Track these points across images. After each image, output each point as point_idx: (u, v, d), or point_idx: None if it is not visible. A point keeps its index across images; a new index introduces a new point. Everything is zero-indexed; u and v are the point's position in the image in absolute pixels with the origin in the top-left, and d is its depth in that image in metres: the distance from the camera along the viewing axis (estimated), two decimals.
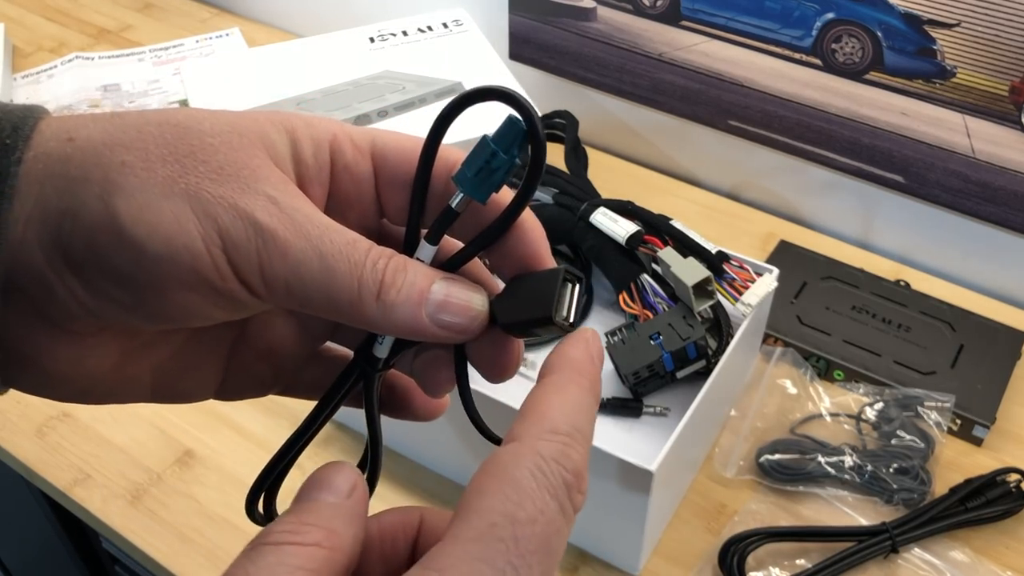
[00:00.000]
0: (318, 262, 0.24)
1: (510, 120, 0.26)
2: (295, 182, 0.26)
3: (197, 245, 0.24)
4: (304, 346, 0.32)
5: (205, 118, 0.25)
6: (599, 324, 0.65)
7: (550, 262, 0.29)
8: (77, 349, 0.26)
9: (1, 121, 0.25)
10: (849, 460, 0.62)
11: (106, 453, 0.66)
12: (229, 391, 0.31)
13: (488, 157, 0.26)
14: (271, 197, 0.25)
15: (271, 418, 0.68)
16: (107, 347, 0.27)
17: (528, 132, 0.26)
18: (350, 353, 0.30)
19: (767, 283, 0.60)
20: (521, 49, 0.92)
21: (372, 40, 0.87)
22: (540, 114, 0.27)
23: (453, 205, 0.27)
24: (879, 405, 0.66)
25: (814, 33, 0.75)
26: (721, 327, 0.60)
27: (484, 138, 0.27)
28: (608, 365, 0.61)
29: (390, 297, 0.25)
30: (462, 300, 0.26)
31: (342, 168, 0.28)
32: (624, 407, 0.61)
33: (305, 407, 0.31)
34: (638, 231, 0.62)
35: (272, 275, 0.24)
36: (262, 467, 0.30)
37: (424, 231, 0.28)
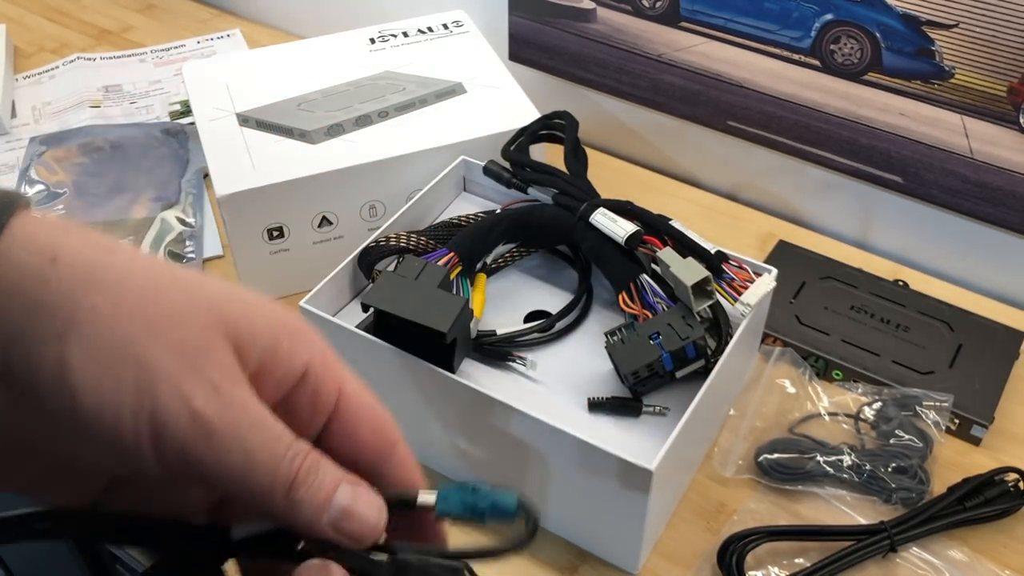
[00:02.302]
0: (242, 454, 0.26)
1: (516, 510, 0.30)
2: (254, 365, 0.27)
3: (124, 417, 0.25)
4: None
5: (187, 285, 0.27)
6: (599, 324, 0.65)
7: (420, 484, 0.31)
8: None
9: None
10: (848, 459, 0.62)
11: None
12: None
13: (477, 512, 0.29)
14: (214, 384, 0.26)
15: None
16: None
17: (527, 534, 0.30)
18: None
19: (766, 283, 0.60)
20: (521, 50, 0.93)
21: (373, 41, 0.87)
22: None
23: (417, 501, 0.29)
24: (877, 405, 0.66)
25: (813, 34, 0.75)
26: (720, 327, 0.60)
27: (481, 491, 0.30)
28: (608, 365, 0.61)
29: (298, 495, 0.26)
30: (363, 511, 0.27)
31: (308, 388, 0.29)
32: (623, 407, 0.62)
33: None
34: (637, 231, 0.62)
35: (193, 458, 0.25)
36: None
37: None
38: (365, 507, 0.27)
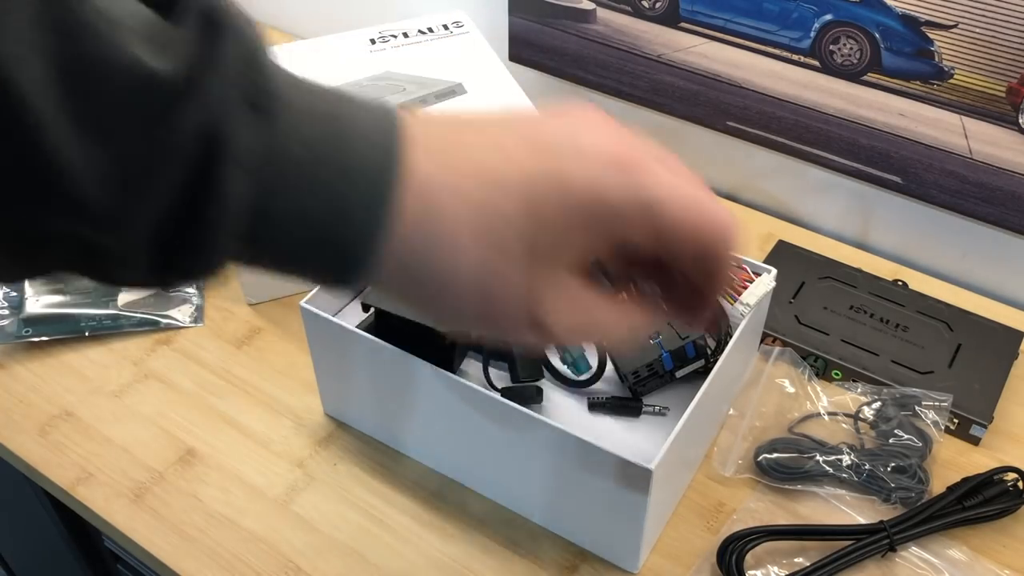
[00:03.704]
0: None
1: None
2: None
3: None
4: None
5: (549, 190, 0.31)
6: None
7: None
8: None
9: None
10: (847, 459, 0.62)
11: (108, 452, 0.66)
12: None
13: None
14: (541, 324, 0.32)
15: (273, 416, 0.68)
16: None
17: None
18: None
19: (765, 283, 0.60)
20: (521, 51, 0.93)
21: (373, 42, 0.87)
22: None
23: None
24: (877, 404, 0.66)
25: (812, 35, 0.75)
26: (720, 327, 0.61)
27: None
28: (608, 364, 0.61)
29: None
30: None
31: (629, 248, 0.34)
32: (623, 406, 0.62)
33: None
34: None
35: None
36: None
37: None
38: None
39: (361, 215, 0.29)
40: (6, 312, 0.75)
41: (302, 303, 0.61)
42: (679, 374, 0.61)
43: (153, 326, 0.75)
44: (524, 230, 0.30)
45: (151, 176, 0.26)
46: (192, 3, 0.27)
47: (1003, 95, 0.69)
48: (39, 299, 0.75)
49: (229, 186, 0.26)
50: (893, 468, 0.62)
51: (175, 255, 0.27)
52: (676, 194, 0.33)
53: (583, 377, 0.62)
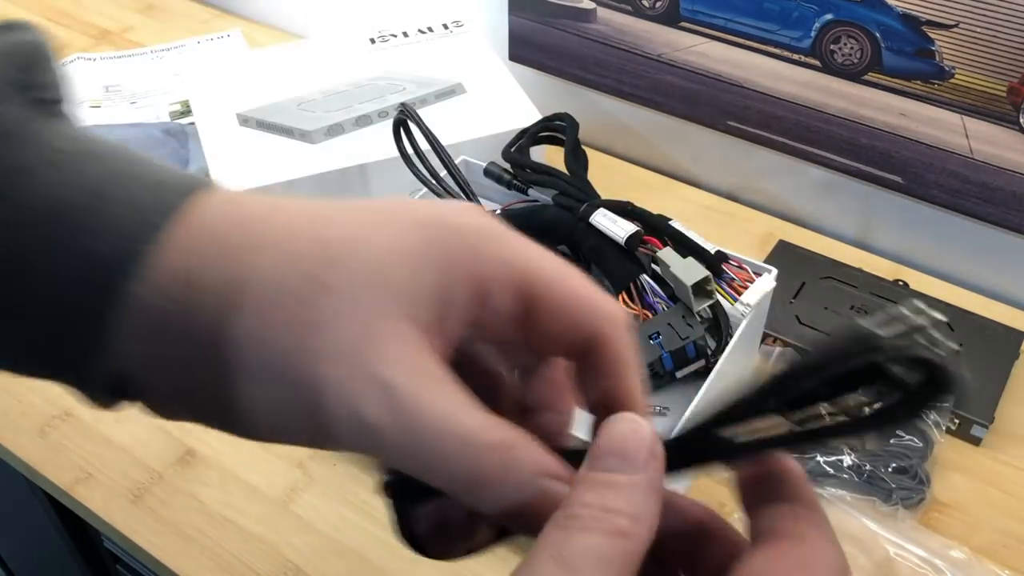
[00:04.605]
0: (421, 461, 0.23)
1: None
2: (433, 321, 0.24)
3: (300, 429, 0.24)
4: None
5: (343, 259, 0.24)
6: None
7: (640, 403, 0.28)
8: None
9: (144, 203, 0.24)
10: (847, 459, 0.62)
11: (108, 452, 0.66)
12: None
13: None
14: (386, 385, 0.23)
15: None
16: None
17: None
18: None
19: (766, 283, 0.60)
20: (521, 50, 0.93)
21: (373, 41, 0.87)
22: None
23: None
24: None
25: (813, 34, 0.75)
26: (720, 327, 0.61)
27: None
28: None
29: (484, 494, 0.24)
30: (557, 495, 0.24)
31: (490, 310, 0.26)
32: None
33: None
34: (637, 231, 0.62)
35: (366, 453, 0.24)
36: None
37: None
38: (553, 500, 0.23)
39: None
40: None
41: None
42: (679, 374, 0.60)
43: None
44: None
45: None
46: None
47: (1004, 95, 0.69)
48: None
49: None
50: (894, 469, 0.61)
51: None
52: (553, 263, 0.26)
53: None
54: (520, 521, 0.24)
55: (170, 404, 0.26)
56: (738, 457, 0.25)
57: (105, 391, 0.25)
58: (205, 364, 0.24)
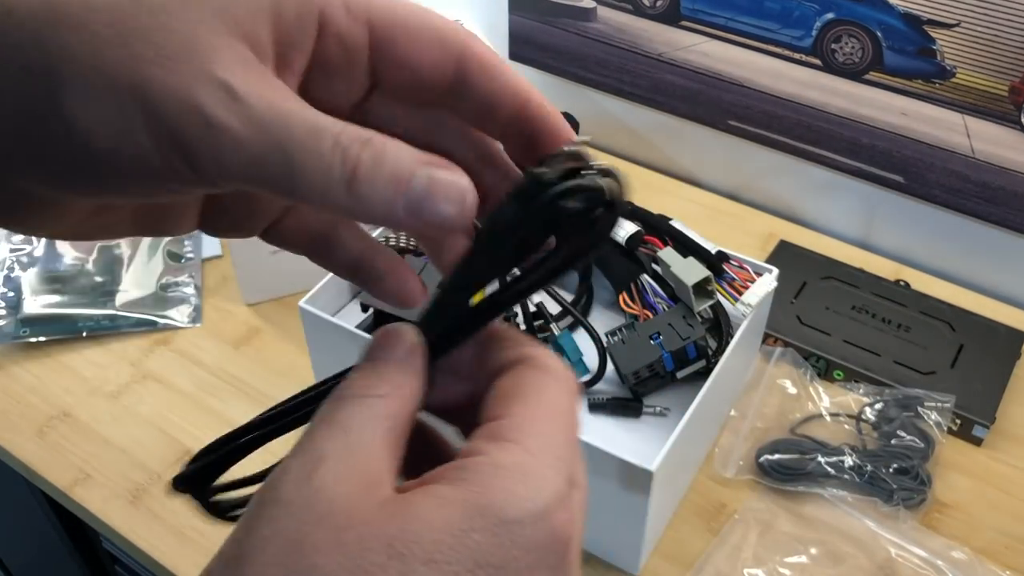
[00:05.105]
0: (279, 155, 0.22)
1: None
2: (271, 46, 0.24)
3: (146, 147, 0.22)
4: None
5: None
6: (599, 324, 0.65)
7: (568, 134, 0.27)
8: (46, 214, 0.25)
9: None
10: (849, 460, 0.62)
11: (106, 453, 0.66)
12: (212, 227, 0.29)
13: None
14: (225, 84, 0.22)
15: None
16: (75, 210, 0.26)
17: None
18: None
19: (767, 283, 0.60)
20: (521, 49, 0.92)
21: None
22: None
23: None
24: (879, 405, 0.66)
25: (814, 33, 0.75)
26: (721, 327, 0.60)
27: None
28: (609, 365, 0.61)
29: (362, 189, 0.22)
30: (445, 189, 0.23)
31: (331, 35, 0.25)
32: (624, 407, 0.61)
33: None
34: (638, 231, 0.62)
35: (229, 169, 0.22)
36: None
37: None
38: (447, 186, 0.23)
39: None
40: (4, 312, 0.74)
41: (301, 303, 0.60)
42: (680, 374, 0.60)
43: (151, 326, 0.75)
44: None
45: None
46: None
47: (1005, 94, 0.69)
48: (37, 299, 0.75)
49: None
50: (895, 469, 0.61)
51: None
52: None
53: (583, 379, 0.62)
54: (413, 214, 0.23)
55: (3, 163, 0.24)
56: (479, 322, 0.26)
57: None
58: (32, 92, 0.22)
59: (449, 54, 0.26)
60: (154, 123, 0.22)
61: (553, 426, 0.25)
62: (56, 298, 0.75)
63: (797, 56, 0.77)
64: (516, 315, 0.63)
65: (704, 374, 0.58)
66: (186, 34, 0.22)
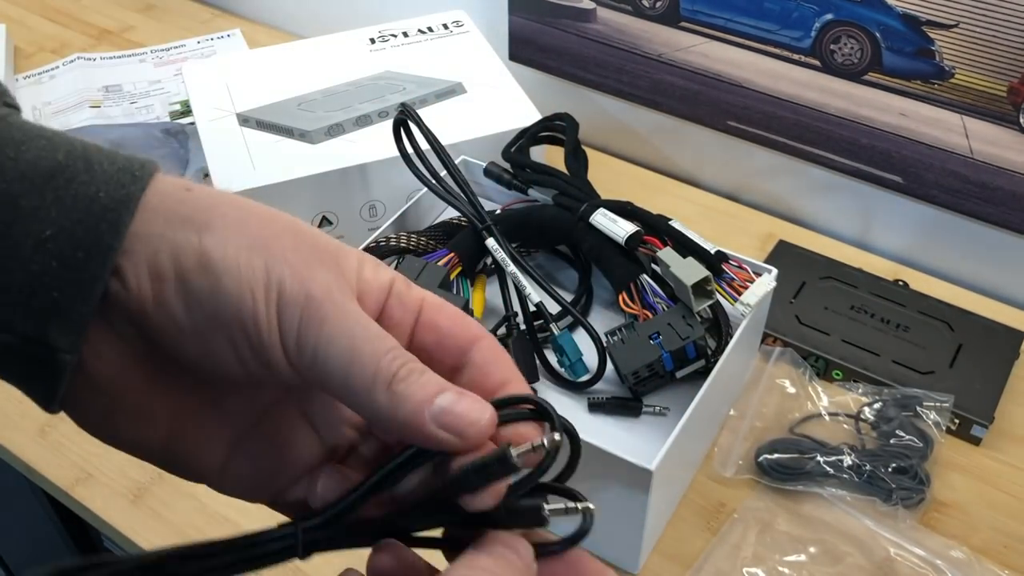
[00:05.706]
0: (347, 340, 0.27)
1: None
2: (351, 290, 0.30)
3: (259, 289, 0.28)
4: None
5: (297, 231, 0.30)
6: (599, 324, 0.65)
7: (521, 387, 0.31)
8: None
9: (132, 161, 0.29)
10: (848, 460, 0.62)
11: (108, 452, 0.66)
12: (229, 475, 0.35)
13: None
14: (328, 285, 0.28)
15: None
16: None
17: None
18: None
19: (766, 283, 0.60)
20: (521, 50, 0.93)
21: (373, 41, 0.87)
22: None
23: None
24: (878, 405, 0.66)
25: (813, 34, 0.75)
26: (720, 327, 0.61)
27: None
28: (609, 365, 0.61)
29: (400, 387, 0.27)
30: (467, 407, 0.28)
31: (394, 307, 0.31)
32: (623, 407, 0.62)
33: None
34: (637, 231, 0.62)
35: (305, 340, 0.28)
36: None
37: None
38: (469, 404, 0.28)
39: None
40: None
41: None
42: (679, 374, 0.60)
43: None
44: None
45: None
46: None
47: (1004, 95, 0.69)
48: None
49: None
50: (894, 469, 0.61)
51: None
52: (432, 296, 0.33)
53: (583, 379, 0.62)
54: (437, 422, 0.28)
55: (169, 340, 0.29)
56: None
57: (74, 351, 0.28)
58: (190, 272, 0.28)
59: (465, 335, 0.31)
60: (271, 278, 0.28)
61: None
62: None
63: (796, 57, 0.77)
64: (516, 315, 0.63)
65: (703, 374, 0.58)
66: (310, 252, 0.29)
